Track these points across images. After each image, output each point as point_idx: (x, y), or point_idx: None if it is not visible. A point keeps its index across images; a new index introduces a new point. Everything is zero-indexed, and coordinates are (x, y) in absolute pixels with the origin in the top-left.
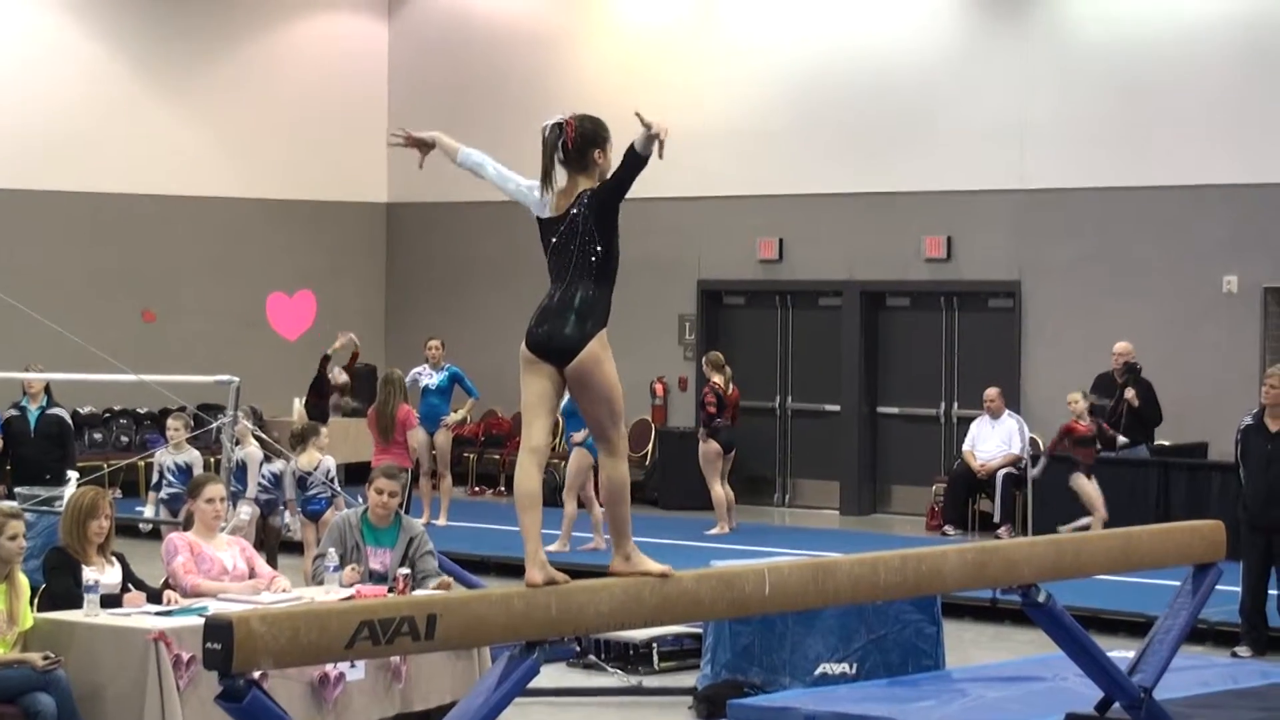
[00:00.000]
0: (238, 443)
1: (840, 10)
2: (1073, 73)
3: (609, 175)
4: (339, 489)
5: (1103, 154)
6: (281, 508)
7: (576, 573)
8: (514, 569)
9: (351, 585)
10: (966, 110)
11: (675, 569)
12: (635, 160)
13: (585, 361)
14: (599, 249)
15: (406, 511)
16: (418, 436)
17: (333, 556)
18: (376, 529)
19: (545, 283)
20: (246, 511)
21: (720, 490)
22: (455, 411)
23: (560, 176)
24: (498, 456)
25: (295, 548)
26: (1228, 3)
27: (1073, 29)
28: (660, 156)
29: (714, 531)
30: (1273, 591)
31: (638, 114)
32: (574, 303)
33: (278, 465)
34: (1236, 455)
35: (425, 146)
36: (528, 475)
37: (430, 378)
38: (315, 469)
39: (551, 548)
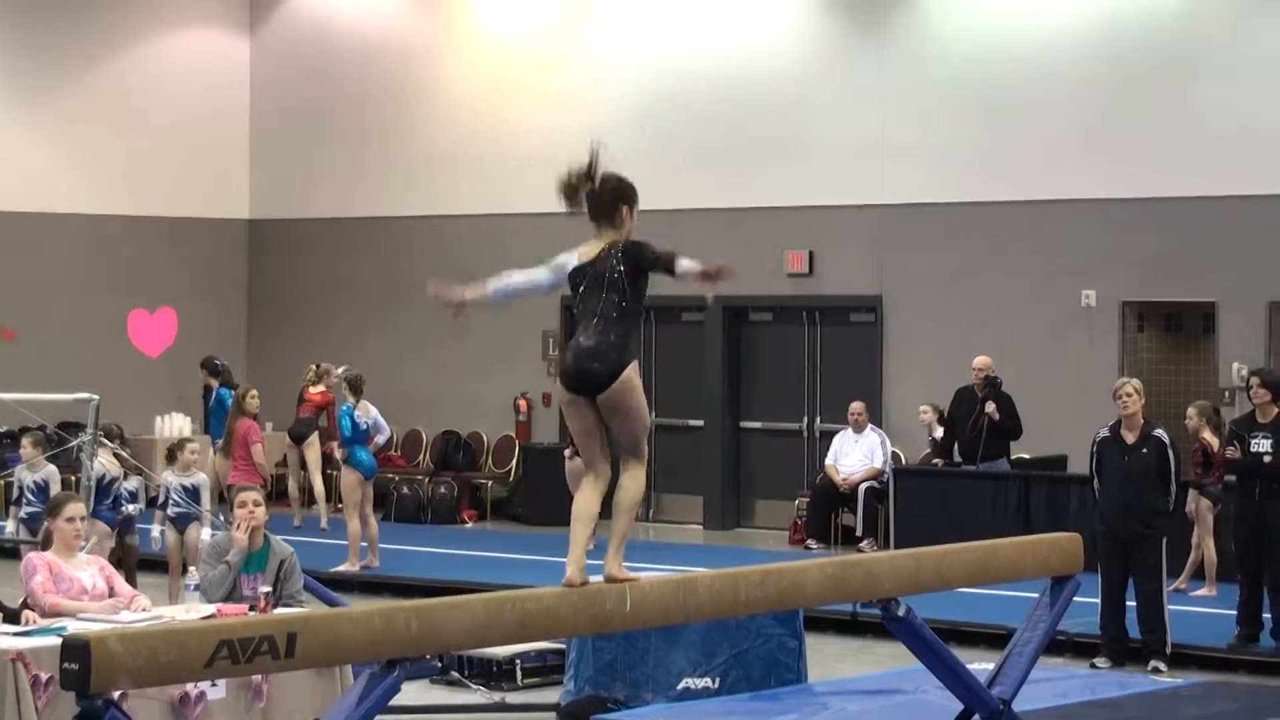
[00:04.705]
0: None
1: (701, 24)
2: (932, 88)
3: (632, 233)
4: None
5: (962, 169)
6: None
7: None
8: (376, 587)
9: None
10: (827, 125)
11: (537, 584)
12: (667, 271)
13: (617, 390)
14: (627, 295)
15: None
16: (260, 452)
17: (193, 575)
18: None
19: (407, 299)
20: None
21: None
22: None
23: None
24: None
25: (157, 566)
26: (1086, 21)
27: (933, 44)
28: (708, 301)
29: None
30: (1130, 603)
31: (721, 267)
32: (603, 340)
33: (134, 482)
34: (1091, 467)
35: (463, 303)
36: (589, 499)
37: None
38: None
39: (341, 568)
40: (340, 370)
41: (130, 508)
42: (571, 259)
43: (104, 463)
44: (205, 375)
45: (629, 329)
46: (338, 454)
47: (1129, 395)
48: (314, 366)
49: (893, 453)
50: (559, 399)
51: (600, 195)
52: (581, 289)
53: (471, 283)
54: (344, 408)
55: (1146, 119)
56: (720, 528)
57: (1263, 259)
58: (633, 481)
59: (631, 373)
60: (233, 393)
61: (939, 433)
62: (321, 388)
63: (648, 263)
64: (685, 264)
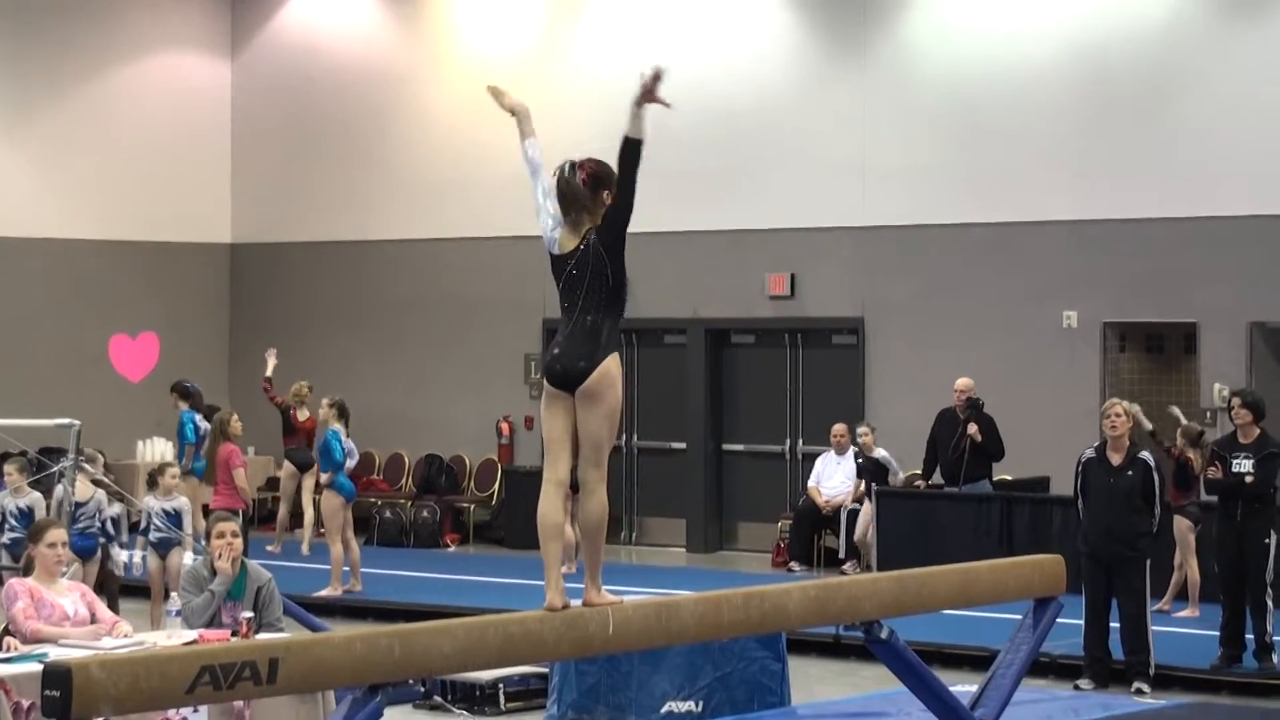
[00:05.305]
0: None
1: (684, 47)
2: (913, 109)
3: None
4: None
5: (943, 190)
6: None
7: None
8: (358, 611)
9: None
10: (809, 148)
11: (518, 609)
12: (630, 149)
13: (598, 378)
14: (609, 280)
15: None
16: (242, 476)
17: (175, 600)
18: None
19: (389, 323)
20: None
21: (569, 530)
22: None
23: (571, 214)
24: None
25: (139, 592)
26: (1066, 43)
27: (913, 67)
28: (666, 104)
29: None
30: (1114, 624)
31: (642, 72)
32: (586, 330)
33: (115, 508)
34: (1076, 487)
35: (509, 111)
36: (552, 507)
37: None
38: (86, 502)
39: (323, 592)
40: (271, 356)
41: (123, 556)
42: (552, 234)
43: (78, 487)
44: (176, 399)
45: (611, 318)
46: (323, 478)
47: (1118, 416)
48: (305, 385)
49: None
50: (542, 397)
51: (581, 182)
52: (564, 280)
53: (527, 121)
54: (332, 432)
55: (1127, 140)
56: (703, 550)
57: (1243, 279)
58: (596, 502)
59: (611, 365)
60: (196, 416)
61: (878, 453)
62: (308, 412)
63: (618, 208)
64: (629, 124)
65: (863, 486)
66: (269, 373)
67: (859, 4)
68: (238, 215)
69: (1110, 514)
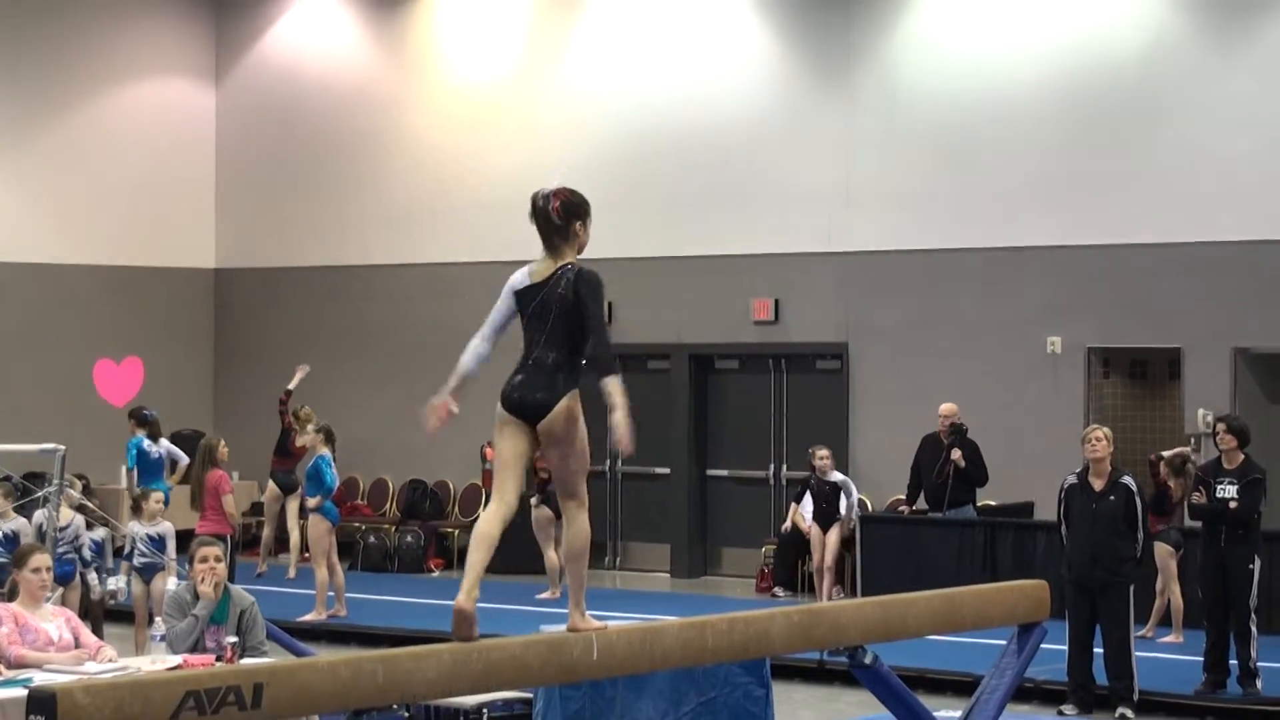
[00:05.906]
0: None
1: (669, 73)
2: (896, 136)
3: (585, 247)
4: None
5: (927, 216)
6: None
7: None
8: (343, 636)
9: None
10: (792, 173)
11: (503, 634)
12: (599, 370)
13: (558, 417)
14: (575, 318)
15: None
16: (231, 502)
17: (159, 625)
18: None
19: (373, 347)
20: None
21: (553, 555)
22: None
23: (551, 241)
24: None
25: (123, 616)
26: (1049, 69)
27: (896, 93)
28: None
29: (544, 596)
30: (1098, 650)
31: (628, 437)
32: (547, 364)
33: (99, 533)
34: (1059, 514)
35: (454, 401)
36: (489, 522)
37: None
38: (65, 527)
39: (307, 617)
40: (300, 370)
41: (109, 582)
42: (521, 277)
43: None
44: (133, 425)
45: (573, 354)
46: (311, 503)
47: (1097, 440)
48: (310, 410)
49: (859, 500)
50: (496, 421)
51: (554, 213)
52: (530, 310)
53: (455, 381)
54: (324, 458)
55: (1110, 166)
56: (687, 576)
57: (1228, 305)
58: (577, 528)
59: (572, 401)
60: (144, 442)
61: (835, 477)
62: (305, 437)
63: (587, 319)
64: (614, 393)
65: (810, 515)
66: (292, 386)
67: (843, 30)
68: (222, 240)
69: (1093, 539)
